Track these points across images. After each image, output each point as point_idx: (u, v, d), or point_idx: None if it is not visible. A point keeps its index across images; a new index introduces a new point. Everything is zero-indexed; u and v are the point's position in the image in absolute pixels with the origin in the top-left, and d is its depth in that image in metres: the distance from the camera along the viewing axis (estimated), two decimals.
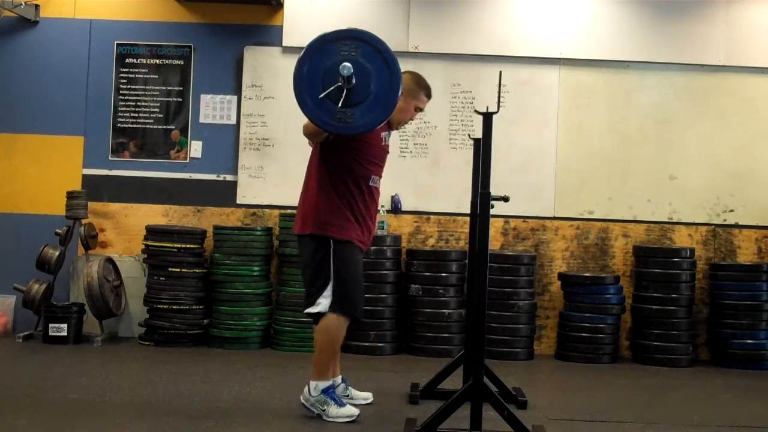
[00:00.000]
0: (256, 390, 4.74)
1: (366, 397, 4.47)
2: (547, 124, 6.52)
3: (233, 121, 6.60)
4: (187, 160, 6.59)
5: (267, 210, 6.51)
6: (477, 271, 3.83)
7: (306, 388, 4.08)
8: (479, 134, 3.84)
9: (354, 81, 3.66)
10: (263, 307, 6.17)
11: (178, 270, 6.09)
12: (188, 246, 6.14)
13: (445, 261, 6.14)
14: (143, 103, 6.62)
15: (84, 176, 6.58)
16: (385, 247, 6.13)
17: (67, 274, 6.41)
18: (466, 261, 5.58)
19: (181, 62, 6.62)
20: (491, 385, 4.01)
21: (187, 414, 4.13)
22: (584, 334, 6.09)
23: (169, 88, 6.62)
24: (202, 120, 6.61)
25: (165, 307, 6.06)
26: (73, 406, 4.20)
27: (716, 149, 6.50)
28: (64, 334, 5.97)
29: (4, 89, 6.63)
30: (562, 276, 6.32)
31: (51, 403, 4.27)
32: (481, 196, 3.72)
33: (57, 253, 6.19)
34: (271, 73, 6.52)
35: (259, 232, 6.23)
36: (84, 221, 6.30)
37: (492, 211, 3.74)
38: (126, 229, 6.55)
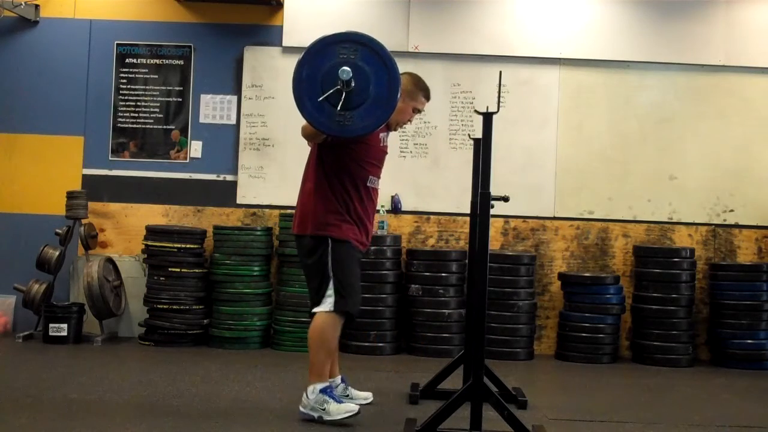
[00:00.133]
0: (256, 390, 4.74)
1: (366, 396, 4.46)
2: (547, 124, 6.52)
3: (233, 121, 6.60)
4: (187, 160, 6.59)
5: (267, 210, 6.51)
6: (477, 271, 3.82)
7: (304, 394, 4.04)
8: (479, 134, 3.84)
9: (353, 84, 3.67)
10: (263, 307, 6.17)
11: (178, 270, 6.09)
12: (188, 246, 6.14)
13: (445, 261, 6.14)
14: (143, 103, 6.62)
15: (84, 176, 6.58)
16: (385, 247, 6.13)
17: (67, 274, 6.41)
18: (466, 261, 5.59)
19: (181, 62, 6.62)
20: (491, 385, 4.01)
21: (187, 414, 4.13)
22: (584, 334, 6.09)
23: (169, 88, 6.62)
24: (202, 120, 6.61)
25: (165, 307, 6.06)
26: (73, 406, 4.20)
27: (716, 149, 6.50)
28: (64, 334, 5.97)
29: (4, 89, 6.63)
30: (562, 276, 6.32)
31: (51, 403, 4.27)
32: (481, 196, 3.72)
33: (57, 253, 6.19)
34: (271, 73, 6.52)
35: (259, 232, 6.23)
36: (84, 221, 6.30)
37: (492, 211, 3.74)
38: (126, 229, 6.55)
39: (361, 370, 5.20)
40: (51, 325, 5.99)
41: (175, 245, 6.10)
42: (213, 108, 6.61)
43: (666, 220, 6.49)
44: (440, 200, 6.50)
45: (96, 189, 6.51)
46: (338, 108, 3.68)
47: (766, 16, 6.50)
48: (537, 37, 6.51)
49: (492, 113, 3.79)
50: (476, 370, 3.73)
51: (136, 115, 6.62)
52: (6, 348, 5.87)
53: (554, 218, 6.50)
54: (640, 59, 6.51)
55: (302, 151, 4.28)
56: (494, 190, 3.72)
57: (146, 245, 6.18)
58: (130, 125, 6.62)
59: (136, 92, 6.63)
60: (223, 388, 4.73)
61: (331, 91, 3.68)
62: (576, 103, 6.52)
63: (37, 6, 6.61)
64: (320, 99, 3.68)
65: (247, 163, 6.55)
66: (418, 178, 6.52)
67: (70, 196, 6.24)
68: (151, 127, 6.62)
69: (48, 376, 4.93)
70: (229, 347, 6.06)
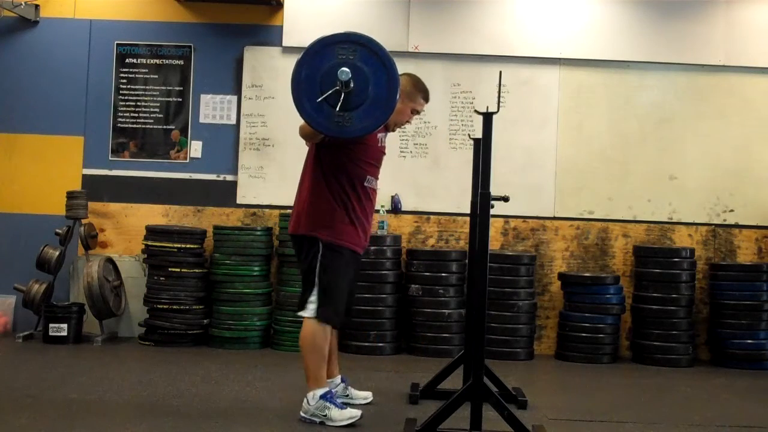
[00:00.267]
0: (256, 390, 4.74)
1: (366, 396, 4.46)
2: (547, 124, 6.52)
3: (233, 121, 6.60)
4: (187, 160, 6.59)
5: (267, 210, 6.51)
6: (477, 271, 3.82)
7: (304, 401, 4.03)
8: (479, 134, 3.84)
9: (352, 85, 3.66)
10: (263, 307, 6.17)
11: (178, 270, 6.09)
12: (188, 246, 6.14)
13: (445, 261, 6.14)
14: (143, 103, 6.62)
15: (84, 176, 6.58)
16: (385, 247, 6.13)
17: (67, 274, 6.41)
18: (466, 261, 5.59)
19: (181, 62, 6.62)
20: (491, 385, 4.01)
21: (187, 414, 4.13)
22: (584, 334, 6.09)
23: (169, 88, 6.62)
24: (202, 120, 6.61)
25: (165, 307, 6.06)
26: (73, 406, 4.20)
27: (716, 149, 6.50)
28: (64, 334, 5.97)
29: (4, 89, 6.64)
30: (562, 276, 6.32)
31: (51, 403, 4.27)
32: (481, 196, 3.72)
33: (57, 253, 6.19)
34: (271, 73, 6.52)
35: (259, 232, 6.23)
36: (84, 221, 6.30)
37: (492, 211, 3.74)
38: (126, 229, 6.55)
39: (361, 370, 5.20)
40: (51, 325, 5.99)
41: (175, 245, 6.10)
42: (213, 108, 6.61)
43: (666, 220, 6.49)
44: (440, 200, 6.50)
45: (96, 189, 6.51)
46: (337, 109, 3.67)
47: (766, 16, 6.50)
48: (537, 37, 6.51)
49: (492, 113, 3.78)
50: (476, 370, 3.73)
51: (136, 115, 6.62)
52: (6, 348, 5.87)
53: (554, 218, 6.50)
54: (640, 59, 6.51)
55: (302, 151, 4.28)
56: (494, 190, 3.72)
57: (146, 245, 6.17)
58: (130, 125, 6.62)
59: (136, 92, 6.63)
60: (223, 388, 4.73)
61: (330, 91, 3.67)
62: (576, 103, 6.52)
63: (37, 6, 6.61)
64: (319, 100, 3.68)
65: (247, 163, 6.55)
66: (418, 178, 6.52)
67: (70, 196, 6.24)
68: (151, 127, 6.62)
69: (48, 376, 4.93)
70: (229, 347, 6.06)
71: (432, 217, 6.51)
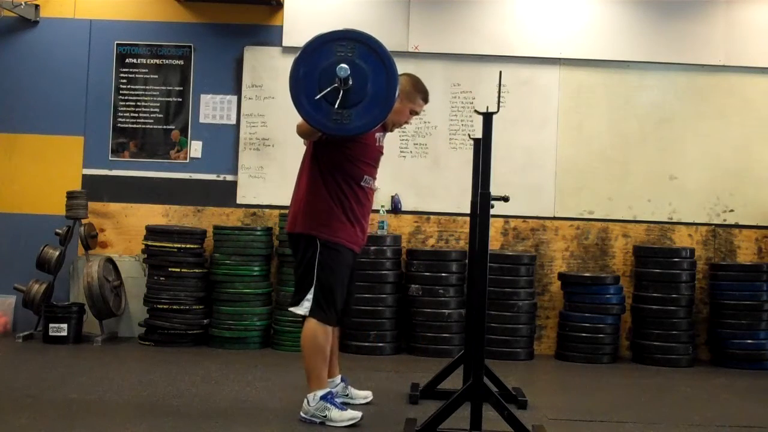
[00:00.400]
0: (256, 390, 4.74)
1: (366, 395, 4.46)
2: (547, 124, 6.52)
3: (233, 121, 6.60)
4: (187, 160, 6.59)
5: (267, 210, 6.51)
6: (477, 271, 3.82)
7: (305, 402, 4.02)
8: (479, 134, 3.83)
9: (351, 82, 3.65)
10: (263, 307, 6.17)
11: (178, 270, 6.09)
12: (188, 246, 6.14)
13: (445, 261, 6.14)
14: (143, 103, 6.62)
15: (84, 176, 6.58)
16: (385, 247, 6.13)
17: (67, 274, 6.41)
18: (466, 261, 5.59)
19: (181, 62, 6.62)
20: (491, 385, 4.01)
21: (187, 414, 4.13)
22: (584, 334, 6.09)
23: (169, 88, 6.62)
24: (202, 120, 6.61)
25: (165, 307, 6.06)
26: (73, 406, 4.20)
27: (716, 149, 6.50)
28: (64, 334, 5.97)
29: (4, 89, 6.63)
30: (562, 276, 6.32)
31: (51, 403, 4.27)
32: (481, 196, 3.72)
33: (57, 253, 6.19)
34: (271, 73, 6.52)
35: (259, 232, 6.23)
36: (84, 221, 6.30)
37: (492, 211, 3.74)
38: (126, 229, 6.55)
39: (361, 370, 5.20)
40: (51, 325, 5.99)
41: (175, 245, 6.10)
42: (213, 108, 6.61)
43: (666, 220, 6.49)
44: (440, 200, 6.50)
45: (96, 189, 6.50)
46: (335, 106, 3.65)
47: (766, 16, 6.50)
48: (537, 37, 6.51)
49: (492, 113, 3.78)
50: (476, 370, 3.73)
51: (136, 115, 6.62)
52: (6, 348, 5.87)
53: (554, 218, 6.50)
54: (640, 59, 6.51)
55: (302, 150, 4.27)
56: (494, 190, 3.72)
57: (146, 245, 6.17)
58: (130, 125, 6.62)
59: (136, 92, 6.63)
60: (223, 388, 4.73)
61: (329, 89, 3.65)
62: (576, 103, 6.52)
63: (37, 6, 6.61)
64: (317, 97, 3.66)
65: (247, 163, 6.55)
66: (418, 178, 6.52)
67: (70, 196, 6.24)
68: (151, 127, 6.62)
69: (48, 376, 4.93)
70: (229, 347, 6.06)
71: (432, 217, 6.51)
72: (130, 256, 6.49)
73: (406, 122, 4.35)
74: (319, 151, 4.05)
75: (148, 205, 6.55)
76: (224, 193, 6.55)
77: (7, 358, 5.57)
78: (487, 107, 3.84)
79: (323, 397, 3.98)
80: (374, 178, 4.19)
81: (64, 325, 5.98)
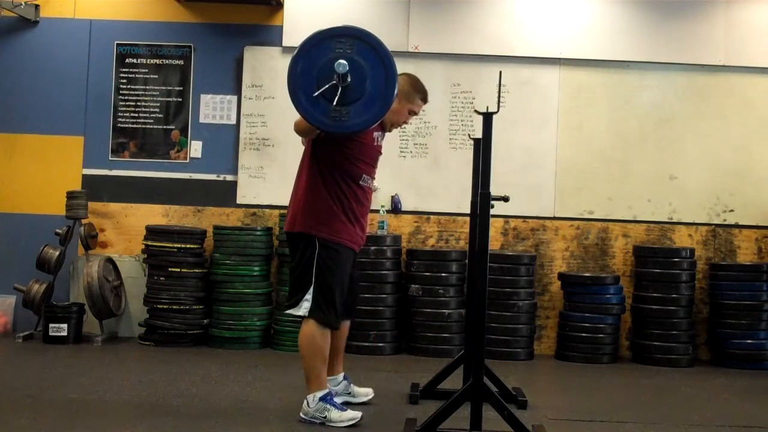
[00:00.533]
0: (256, 390, 4.74)
1: (367, 393, 4.45)
2: (547, 124, 6.52)
3: (233, 121, 6.60)
4: (187, 160, 6.59)
5: (267, 210, 6.51)
6: (477, 271, 3.82)
7: (304, 403, 4.01)
8: (479, 134, 3.83)
9: (349, 79, 3.63)
10: (263, 307, 6.17)
11: (178, 270, 6.09)
12: (188, 246, 6.14)
13: (445, 261, 6.14)
14: (143, 103, 6.62)
15: (84, 176, 6.58)
16: (385, 247, 6.13)
17: (67, 274, 6.41)
18: (466, 261, 5.59)
19: (181, 62, 6.62)
20: (491, 385, 4.01)
21: (187, 414, 4.13)
22: (584, 334, 6.09)
23: (169, 88, 6.62)
24: (202, 120, 6.61)
25: (165, 307, 6.06)
26: (73, 406, 4.20)
27: (716, 149, 6.50)
28: (64, 334, 5.97)
29: (4, 89, 6.63)
30: (562, 276, 6.32)
31: (51, 403, 4.27)
32: (481, 196, 3.72)
33: (57, 253, 6.19)
34: (271, 73, 6.52)
35: (259, 232, 6.23)
36: (84, 221, 6.30)
37: (492, 211, 3.74)
38: (126, 229, 6.55)
39: (361, 370, 5.20)
40: (51, 325, 5.99)
41: (175, 245, 6.10)
42: (213, 108, 6.61)
43: (666, 220, 6.49)
44: (440, 200, 6.50)
45: (96, 189, 6.50)
46: (334, 103, 3.63)
47: (766, 16, 6.50)
48: (537, 37, 6.51)
49: (492, 113, 3.78)
50: (476, 370, 3.73)
51: (136, 115, 6.62)
52: (6, 348, 5.87)
53: (554, 218, 6.50)
54: (640, 59, 6.51)
55: (302, 150, 4.27)
56: (494, 190, 3.72)
57: (146, 245, 6.17)
58: (130, 125, 6.62)
59: (136, 92, 6.63)
60: (223, 388, 4.73)
61: (327, 86, 3.63)
62: (576, 103, 6.52)
63: (37, 6, 6.61)
64: (315, 94, 3.64)
65: (247, 163, 6.55)
66: (418, 178, 6.52)
67: (70, 196, 6.24)
68: (151, 127, 6.62)
69: (48, 376, 4.93)
70: (229, 347, 6.06)
71: (432, 217, 6.51)
72: (130, 256, 6.49)
73: (405, 122, 4.33)
74: (318, 151, 4.03)
75: (148, 205, 6.55)
76: (224, 193, 6.55)
77: (7, 358, 5.57)
78: (487, 107, 3.84)
79: (323, 398, 3.97)
80: (373, 178, 4.17)
81: (64, 325, 5.98)
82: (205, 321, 6.14)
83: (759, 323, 6.08)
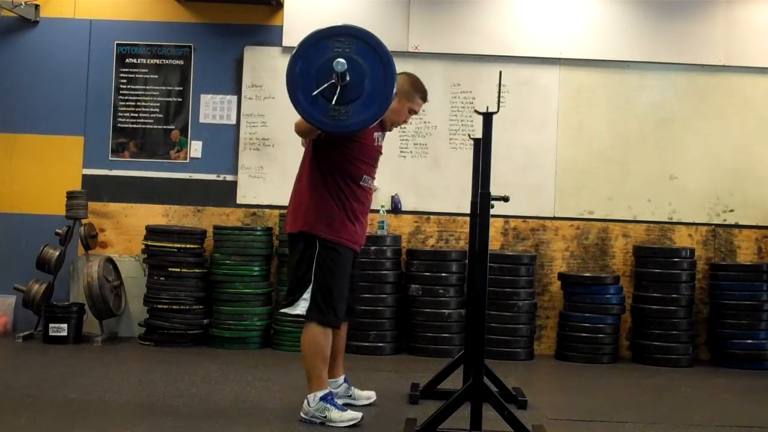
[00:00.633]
0: (256, 390, 4.74)
1: (369, 396, 4.45)
2: (547, 124, 6.52)
3: (233, 121, 6.60)
4: (187, 160, 6.59)
5: (267, 210, 6.51)
6: (477, 271, 3.82)
7: (305, 402, 4.01)
8: (479, 134, 3.83)
9: (348, 78, 3.62)
10: (263, 307, 6.17)
11: (178, 270, 6.09)
12: (188, 246, 6.14)
13: (445, 261, 6.14)
14: (143, 103, 6.62)
15: (84, 176, 6.58)
16: (385, 247, 6.13)
17: (67, 274, 6.41)
18: (466, 261, 5.59)
19: (181, 62, 6.62)
20: (491, 385, 4.01)
21: (187, 414, 4.13)
22: (584, 334, 6.09)
23: (169, 88, 6.62)
24: (202, 120, 6.61)
25: (165, 307, 6.06)
26: (73, 406, 4.20)
27: (716, 149, 6.50)
28: (64, 334, 5.97)
29: (4, 89, 6.63)
30: (562, 276, 6.32)
31: (51, 403, 4.27)
32: (481, 196, 3.72)
33: (57, 253, 6.19)
34: (271, 73, 6.52)
35: (259, 232, 6.23)
36: (84, 221, 6.30)
37: (492, 211, 3.74)
38: (126, 229, 6.55)
39: (361, 370, 5.20)
40: (51, 325, 5.99)
41: (175, 245, 6.10)
42: (213, 108, 6.61)
43: (666, 220, 6.49)
44: (440, 200, 6.50)
45: (96, 189, 6.50)
46: (333, 102, 3.63)
47: (766, 16, 6.50)
48: (537, 37, 6.51)
49: (492, 113, 3.78)
50: (476, 370, 3.72)
51: (136, 115, 6.62)
52: (6, 348, 5.87)
53: (554, 218, 6.50)
54: (640, 59, 6.51)
55: (302, 150, 4.27)
56: (494, 190, 3.72)
57: (146, 245, 6.17)
58: (130, 125, 6.62)
59: (136, 92, 6.63)
60: (223, 388, 4.73)
61: (326, 85, 3.63)
62: (576, 103, 6.52)
63: (37, 6, 6.61)
64: (314, 93, 3.64)
65: (247, 163, 6.55)
66: (418, 178, 6.52)
67: (70, 196, 6.24)
68: (151, 127, 6.62)
69: (48, 376, 4.93)
70: (229, 347, 6.06)
71: (432, 217, 6.51)
72: (130, 256, 6.49)
73: (405, 122, 4.33)
74: (318, 151, 4.03)
75: (148, 205, 6.55)
76: (224, 193, 6.55)
77: (7, 358, 5.57)
78: (487, 107, 3.84)
79: (323, 398, 3.97)
80: (373, 178, 4.17)
81: (64, 325, 5.98)
82: (205, 321, 6.14)
83: (759, 323, 6.08)
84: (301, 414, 4.02)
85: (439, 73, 6.46)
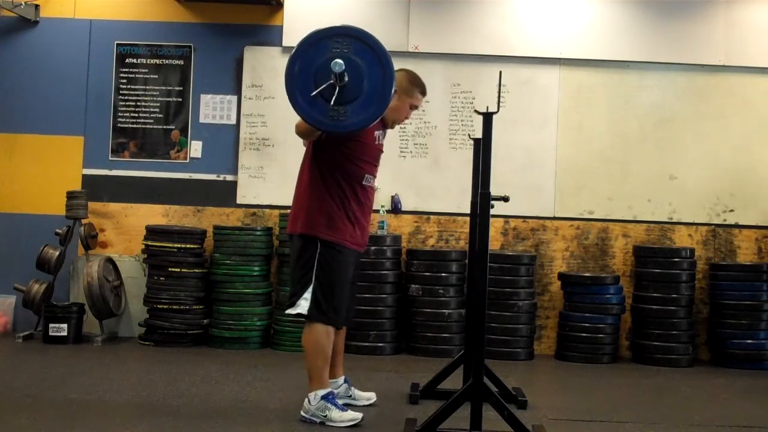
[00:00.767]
0: (256, 390, 4.74)
1: (369, 397, 4.44)
2: (547, 124, 6.52)
3: (233, 121, 6.60)
4: (187, 160, 6.59)
5: (267, 210, 6.51)
6: (477, 271, 3.82)
7: (306, 401, 4.01)
8: (479, 134, 3.83)
9: (346, 78, 3.63)
10: (263, 307, 6.17)
11: (178, 270, 6.09)
12: (188, 246, 6.14)
13: (445, 261, 6.14)
14: (143, 103, 6.62)
15: (84, 176, 6.58)
16: (385, 247, 6.13)
17: (67, 274, 6.41)
18: (466, 261, 5.59)
19: (181, 62, 6.62)
20: (491, 385, 4.01)
21: (187, 414, 4.13)
22: (584, 334, 6.09)
23: (169, 88, 6.62)
24: (202, 120, 6.61)
25: (165, 307, 6.06)
26: (73, 406, 4.20)
27: (716, 149, 6.50)
28: (64, 334, 5.97)
29: (4, 89, 6.63)
30: (562, 276, 6.32)
31: (51, 403, 4.27)
32: (481, 196, 3.72)
33: (57, 253, 6.19)
34: (271, 73, 6.52)
35: (259, 232, 6.23)
36: (84, 221, 6.30)
37: (492, 211, 3.74)
38: (126, 229, 6.55)
39: (361, 370, 5.20)
40: (51, 325, 5.99)
41: (175, 245, 6.10)
42: (213, 108, 6.61)
43: (666, 220, 6.49)
44: (440, 200, 6.50)
45: (96, 189, 6.51)
46: (331, 103, 3.64)
47: (766, 16, 6.50)
48: (537, 37, 6.51)
49: (492, 113, 3.78)
50: (476, 370, 3.72)
51: (136, 115, 6.62)
52: (6, 348, 5.87)
53: (554, 218, 6.50)
54: (640, 59, 6.51)
55: (302, 150, 4.27)
56: (494, 190, 3.72)
57: (146, 245, 6.17)
58: (130, 125, 6.62)
59: (136, 92, 6.63)
60: (223, 388, 4.73)
61: (324, 85, 3.64)
62: (576, 103, 6.52)
63: (37, 6, 6.61)
64: (313, 93, 3.64)
65: (247, 163, 6.55)
66: (418, 178, 6.52)
67: (70, 196, 6.24)
68: (151, 127, 6.62)
69: (48, 376, 4.93)
70: (229, 347, 6.06)
71: (432, 217, 6.51)
72: (130, 256, 6.49)
73: (407, 117, 4.33)
74: (319, 152, 4.03)
75: (148, 205, 6.55)
76: (224, 193, 6.55)
77: (7, 358, 5.57)
78: (487, 107, 3.84)
79: (324, 397, 3.97)
80: (375, 177, 4.18)
81: (64, 325, 5.98)
82: (205, 321, 6.14)
83: (759, 323, 6.08)
84: (302, 412, 4.02)
85: (439, 73, 6.46)
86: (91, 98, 6.62)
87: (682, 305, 6.12)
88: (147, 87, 6.62)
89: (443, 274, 6.11)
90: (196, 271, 6.16)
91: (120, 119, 6.62)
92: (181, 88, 6.62)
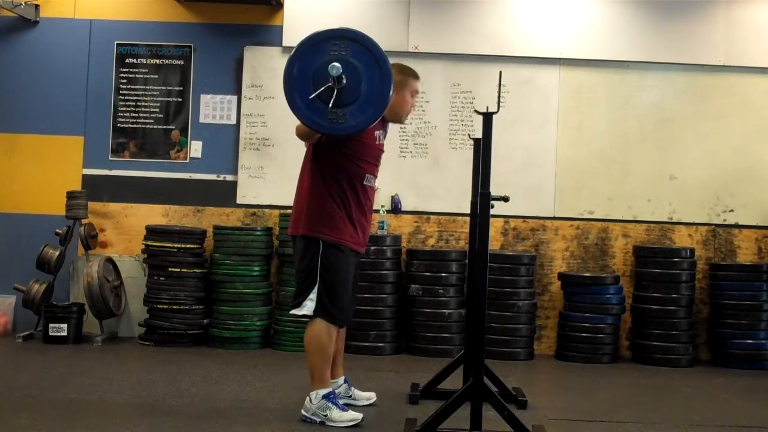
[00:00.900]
0: (256, 390, 4.74)
1: (369, 397, 4.45)
2: (547, 124, 6.52)
3: (233, 121, 6.60)
4: (187, 160, 6.59)
5: (267, 210, 6.51)
6: (477, 271, 3.82)
7: (307, 400, 4.02)
8: (479, 134, 3.84)
9: (344, 81, 3.63)
10: (263, 307, 6.17)
11: (178, 270, 6.09)
12: (188, 246, 6.14)
13: (445, 261, 6.14)
14: (143, 103, 6.62)
15: (84, 176, 6.58)
16: (385, 247, 6.13)
17: (67, 274, 6.41)
18: (466, 261, 5.59)
19: (181, 62, 6.62)
20: (491, 385, 4.01)
21: (187, 414, 4.13)
22: (584, 334, 6.09)
23: (169, 88, 6.62)
24: (202, 120, 6.61)
25: (165, 307, 6.06)
26: (73, 406, 4.20)
27: (716, 149, 6.50)
28: (64, 334, 5.97)
29: (4, 89, 6.63)
30: (562, 276, 6.32)
31: (51, 403, 4.27)
32: (481, 196, 3.72)
33: (57, 253, 6.19)
34: (271, 73, 6.51)
35: (259, 232, 6.23)
36: (84, 221, 6.30)
37: (492, 211, 3.74)
38: (126, 229, 6.55)
39: (361, 370, 5.20)
40: (51, 325, 5.99)
41: (175, 245, 6.10)
42: (213, 108, 6.61)
43: (666, 220, 6.49)
44: (440, 200, 6.50)
45: (96, 189, 6.51)
46: (330, 105, 3.64)
47: (766, 16, 6.50)
48: (537, 37, 6.51)
49: (492, 113, 3.78)
50: (476, 370, 3.73)
51: (136, 115, 6.62)
52: (6, 348, 5.87)
53: (554, 218, 6.50)
54: (640, 59, 6.51)
55: (302, 151, 4.27)
56: (494, 190, 3.72)
57: (146, 245, 6.18)
58: (130, 125, 6.62)
59: (136, 92, 6.63)
60: (223, 388, 4.73)
61: (323, 88, 3.64)
62: (576, 103, 6.52)
63: (37, 6, 6.61)
64: (311, 96, 3.65)
65: (247, 163, 6.55)
66: (418, 178, 6.52)
67: (70, 196, 6.24)
68: (151, 127, 6.62)
69: (48, 376, 4.93)
70: (229, 347, 6.06)
71: (432, 217, 6.51)
72: (130, 256, 6.49)
73: (413, 106, 4.32)
74: (320, 153, 4.04)
75: (148, 205, 6.55)
76: (224, 193, 6.55)
77: (7, 358, 5.57)
78: (487, 107, 3.84)
79: (325, 396, 3.98)
80: (376, 177, 4.18)
81: (64, 325, 5.98)
82: (205, 321, 6.14)
83: (759, 323, 6.08)
84: (303, 411, 4.02)
85: (439, 73, 6.46)
86: (91, 98, 6.62)
87: (682, 305, 6.12)
88: (147, 87, 6.62)
89: (443, 274, 6.11)
90: (196, 271, 6.16)
91: (120, 119, 6.62)
92: (181, 88, 6.62)
